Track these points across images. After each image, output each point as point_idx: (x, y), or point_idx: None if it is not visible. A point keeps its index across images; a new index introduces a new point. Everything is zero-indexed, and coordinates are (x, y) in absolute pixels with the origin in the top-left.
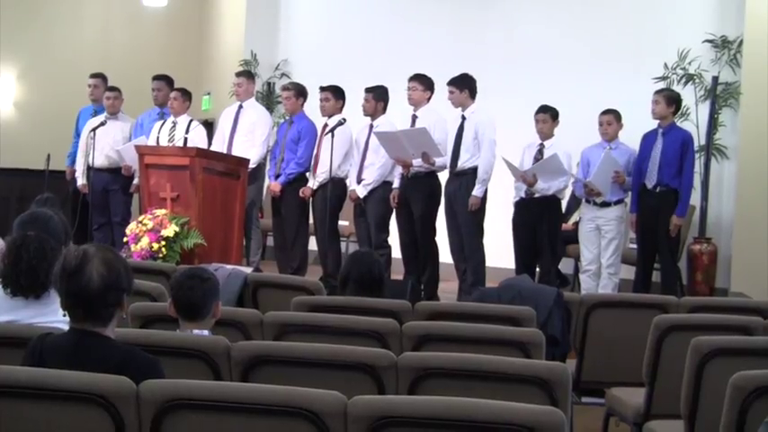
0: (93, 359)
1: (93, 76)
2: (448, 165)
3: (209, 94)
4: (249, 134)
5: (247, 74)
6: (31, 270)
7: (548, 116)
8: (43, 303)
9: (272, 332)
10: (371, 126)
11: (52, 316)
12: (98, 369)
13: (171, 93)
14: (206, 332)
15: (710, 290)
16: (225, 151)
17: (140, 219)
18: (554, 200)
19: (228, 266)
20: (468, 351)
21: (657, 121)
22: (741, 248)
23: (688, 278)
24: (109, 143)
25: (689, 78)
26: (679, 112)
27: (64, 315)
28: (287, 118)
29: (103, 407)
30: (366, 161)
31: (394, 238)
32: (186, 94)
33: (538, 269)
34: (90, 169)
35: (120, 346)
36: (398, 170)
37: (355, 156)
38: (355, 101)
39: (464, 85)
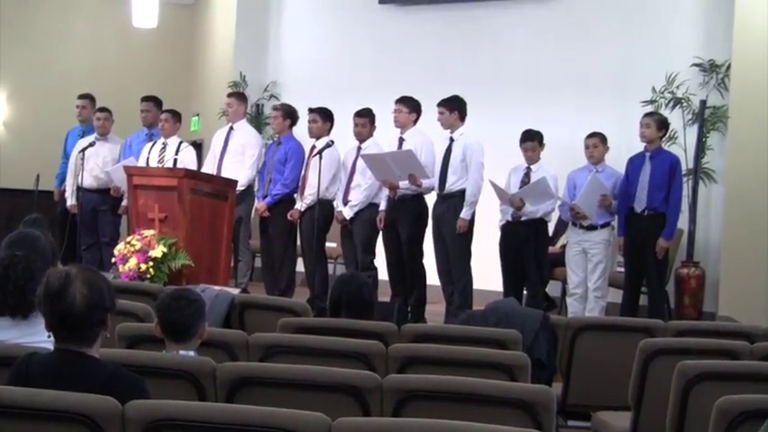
0: (79, 379)
1: (81, 96)
2: (435, 187)
3: (197, 115)
4: (239, 156)
5: (238, 95)
6: (18, 290)
7: (535, 143)
8: (30, 323)
9: (257, 353)
10: (359, 148)
11: (38, 336)
12: (84, 389)
13: (161, 114)
14: (192, 353)
15: (698, 314)
16: (214, 173)
17: (128, 239)
18: (540, 223)
19: (216, 287)
20: (453, 374)
21: (644, 145)
22: (729, 272)
23: (676, 302)
24: (98, 164)
25: (677, 102)
26: (667, 136)
27: (49, 336)
28: (275, 139)
29: (89, 426)
30: (353, 183)
31: (381, 260)
32: (176, 116)
33: (525, 292)
34: (79, 189)
35: (105, 365)
36: (385, 192)
37: (342, 178)
38: (343, 123)
39: (454, 107)
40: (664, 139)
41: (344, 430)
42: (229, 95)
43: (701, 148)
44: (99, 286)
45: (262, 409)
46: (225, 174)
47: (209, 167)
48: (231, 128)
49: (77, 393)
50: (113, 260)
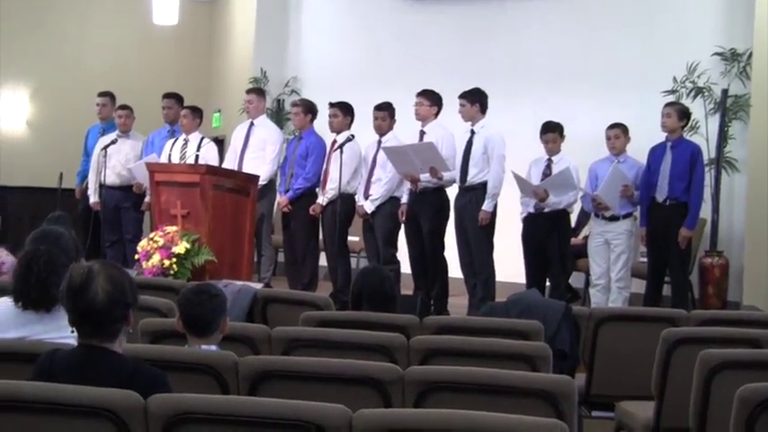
0: (102, 374)
1: (102, 94)
2: (457, 179)
3: (219, 111)
4: (260, 151)
5: (258, 91)
6: (40, 283)
7: (556, 135)
8: (54, 319)
9: (280, 347)
10: (380, 142)
11: (62, 332)
12: (107, 384)
13: (181, 110)
14: (214, 347)
15: (723, 303)
16: (236, 168)
17: (151, 236)
18: (563, 214)
19: (238, 282)
20: (474, 365)
21: (665, 135)
22: (753, 261)
23: (700, 292)
24: (120, 161)
25: (698, 92)
26: (688, 126)
27: (72, 331)
28: (296, 134)
29: (112, 421)
30: (373, 176)
31: (403, 253)
32: (196, 112)
33: (548, 283)
34: (102, 187)
35: (128, 360)
36: (406, 185)
37: (363, 172)
38: (364, 117)
39: (475, 99)
40: (685, 128)
41: (365, 422)
42: (248, 92)
43: (722, 138)
44: (121, 282)
45: (283, 402)
46: (246, 169)
47: (229, 163)
48: (252, 123)
49: (100, 388)
50: (137, 257)
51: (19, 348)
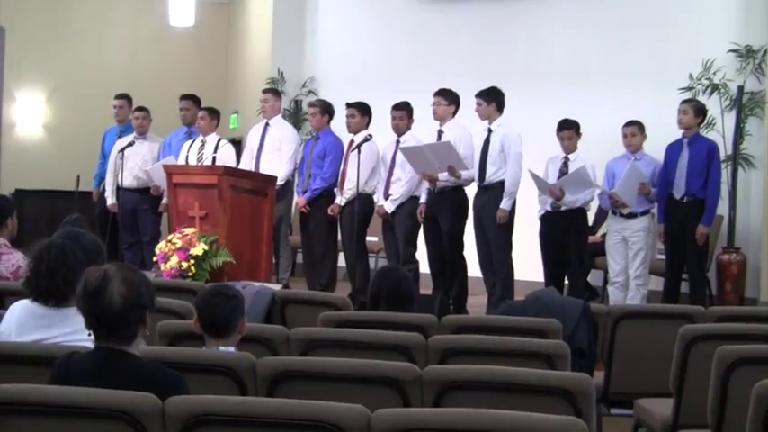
0: (120, 377)
1: (119, 97)
2: (475, 178)
3: (236, 112)
4: (276, 151)
5: (274, 91)
6: (50, 273)
7: (572, 132)
8: (70, 322)
9: (298, 348)
10: (398, 142)
11: (79, 335)
12: (124, 386)
13: (198, 112)
14: (232, 349)
15: (740, 300)
16: (252, 169)
17: (169, 238)
18: (580, 212)
19: (257, 284)
20: (493, 363)
21: (682, 132)
22: None
23: (717, 288)
24: (138, 163)
25: (714, 88)
26: (705, 123)
27: (89, 334)
28: (313, 134)
29: (129, 423)
30: (393, 177)
31: (422, 253)
32: (214, 113)
33: (566, 281)
34: (119, 189)
35: (145, 363)
36: (425, 185)
37: (382, 172)
38: (382, 117)
39: (492, 98)
40: (702, 125)
41: (383, 422)
42: (265, 91)
43: (739, 134)
44: (137, 284)
45: (300, 403)
46: (263, 170)
47: (246, 164)
48: (267, 124)
49: (117, 390)
50: (155, 259)
51: (36, 351)
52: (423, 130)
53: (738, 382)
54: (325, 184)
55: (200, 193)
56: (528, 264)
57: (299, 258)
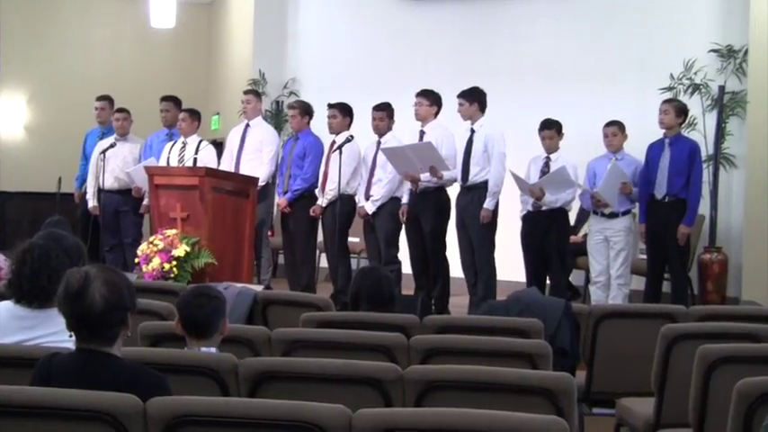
0: (101, 378)
1: (100, 98)
2: (458, 179)
3: (218, 114)
4: (257, 152)
5: (255, 92)
6: (33, 274)
7: (553, 131)
8: (54, 323)
9: (280, 348)
10: (379, 143)
11: (62, 335)
12: (106, 387)
13: (179, 113)
14: (213, 350)
15: (722, 299)
16: (232, 170)
17: (151, 239)
18: (561, 212)
19: (238, 285)
20: (475, 363)
21: (663, 132)
22: (751, 257)
23: (699, 288)
24: (119, 165)
25: (695, 88)
26: (686, 122)
27: (70, 336)
28: (293, 135)
29: (111, 424)
30: (374, 177)
31: (404, 254)
32: (194, 115)
33: (548, 281)
34: (101, 191)
35: (127, 364)
36: (407, 185)
37: (363, 173)
38: (363, 118)
39: (474, 99)
40: (683, 125)
41: (365, 422)
42: (246, 92)
43: (720, 134)
44: (118, 286)
45: (282, 403)
46: (243, 170)
47: (226, 165)
48: (247, 125)
49: (98, 392)
50: (137, 260)
51: (17, 353)
52: (405, 131)
53: (720, 380)
54: (305, 184)
55: (181, 195)
56: (510, 264)
57: (281, 260)
